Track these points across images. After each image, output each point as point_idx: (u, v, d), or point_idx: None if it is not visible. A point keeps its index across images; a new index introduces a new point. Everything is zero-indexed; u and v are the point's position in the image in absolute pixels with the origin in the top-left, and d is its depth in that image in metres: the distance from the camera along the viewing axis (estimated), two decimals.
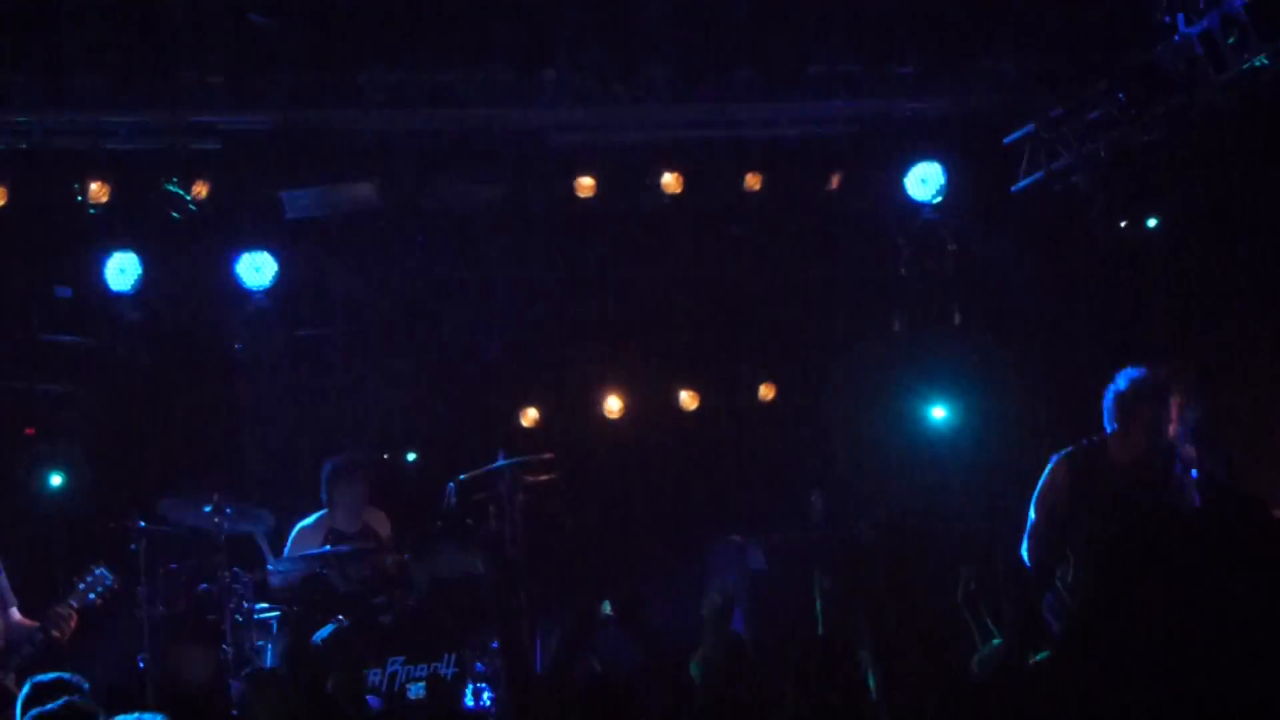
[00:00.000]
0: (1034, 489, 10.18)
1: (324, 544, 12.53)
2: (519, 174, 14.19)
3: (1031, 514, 10.16)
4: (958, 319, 15.02)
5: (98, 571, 11.25)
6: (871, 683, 9.11)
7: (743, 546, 13.95)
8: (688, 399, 15.66)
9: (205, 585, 12.04)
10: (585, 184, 14.12)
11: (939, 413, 15.26)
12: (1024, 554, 10.19)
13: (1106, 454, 10.11)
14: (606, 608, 8.66)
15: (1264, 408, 13.15)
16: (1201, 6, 12.00)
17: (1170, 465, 10.15)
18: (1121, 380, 10.10)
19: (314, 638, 11.58)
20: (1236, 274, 13.38)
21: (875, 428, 15.30)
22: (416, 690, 11.79)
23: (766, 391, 15.70)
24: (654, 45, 13.20)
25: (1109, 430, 10.10)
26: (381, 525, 13.01)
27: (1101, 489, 9.99)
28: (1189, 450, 10.35)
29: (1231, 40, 11.82)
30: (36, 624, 11.06)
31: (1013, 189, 14.24)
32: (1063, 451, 10.23)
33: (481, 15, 12.82)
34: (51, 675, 8.17)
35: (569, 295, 14.90)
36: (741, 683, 8.20)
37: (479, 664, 12.06)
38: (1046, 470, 10.16)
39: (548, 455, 13.34)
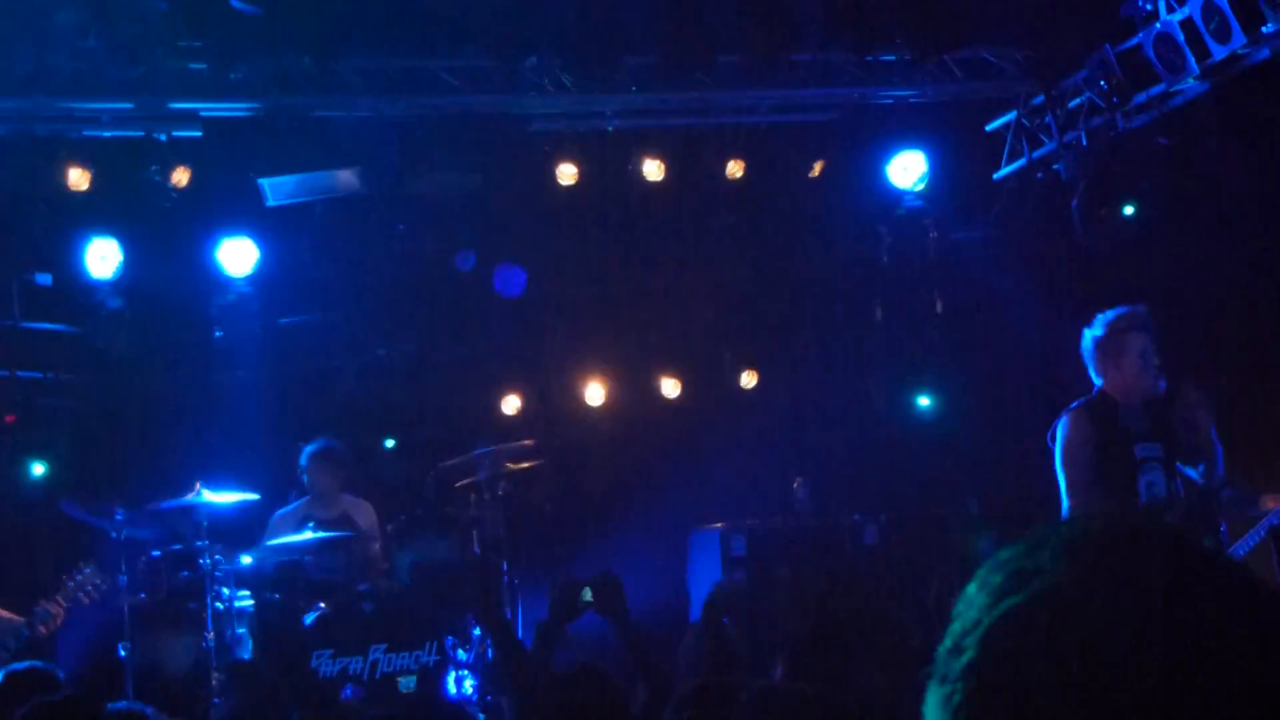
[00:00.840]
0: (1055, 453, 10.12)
1: (301, 530, 12.51)
2: (500, 161, 14.18)
3: (1063, 473, 10.10)
4: (940, 307, 15.05)
5: (86, 570, 11.21)
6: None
7: (725, 534, 13.95)
8: (670, 386, 15.66)
9: (186, 573, 12.00)
10: (567, 171, 14.12)
11: (922, 401, 15.28)
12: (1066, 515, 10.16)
13: (1110, 400, 10.12)
14: (587, 594, 8.62)
15: (1245, 393, 13.16)
16: None
17: (1172, 398, 10.17)
18: (1097, 325, 10.11)
19: (294, 627, 11.58)
20: (1216, 260, 13.40)
21: (858, 415, 15.33)
22: (407, 684, 11.75)
23: (749, 379, 15.70)
24: (636, 32, 13.18)
25: (1099, 382, 10.11)
26: (362, 512, 12.98)
27: (1118, 433, 10.03)
28: (1190, 391, 10.33)
29: (1213, 28, 11.84)
30: (23, 619, 11.02)
31: (995, 176, 14.26)
32: (1073, 405, 10.21)
33: (463, 2, 12.81)
34: (24, 665, 8.15)
35: (551, 282, 14.88)
36: (727, 672, 8.19)
37: (461, 651, 12.04)
38: (1064, 427, 10.11)
39: (529, 442, 13.34)
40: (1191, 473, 10.06)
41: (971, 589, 1.81)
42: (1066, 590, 1.74)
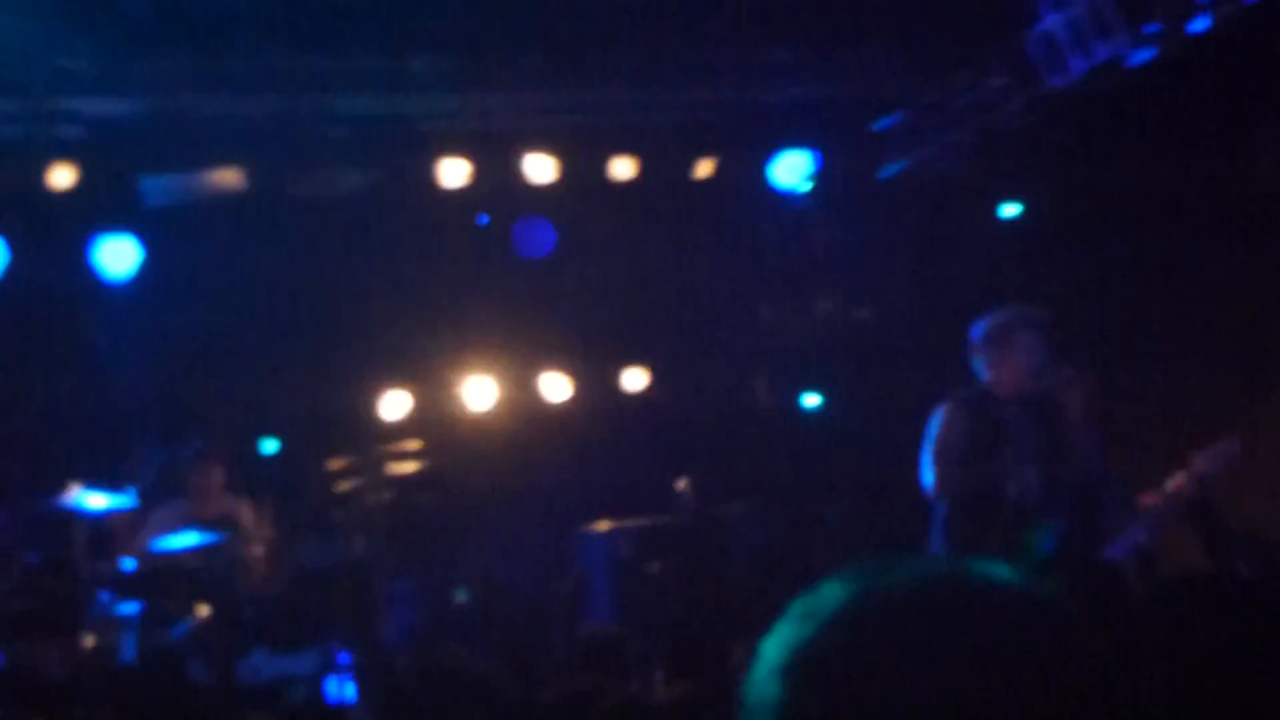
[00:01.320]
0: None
1: (183, 533, 12.40)
2: (388, 161, 14.12)
3: (932, 464, 10.17)
4: (825, 306, 15.10)
5: None
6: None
7: (611, 534, 13.92)
8: (557, 387, 15.60)
9: (63, 577, 11.86)
10: (454, 170, 14.06)
11: (810, 399, 15.30)
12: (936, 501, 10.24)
13: (990, 394, 10.19)
14: (461, 595, 8.61)
15: (1125, 390, 13.26)
16: None
17: (1054, 396, 10.25)
18: (988, 319, 10.20)
19: (174, 632, 11.49)
20: (1098, 259, 13.50)
21: (745, 414, 15.33)
22: (290, 688, 11.67)
23: (636, 379, 15.67)
24: (524, 30, 13.14)
25: (983, 376, 10.18)
26: (244, 513, 12.89)
27: (994, 429, 10.10)
28: (1067, 370, 10.41)
29: (1096, 28, 11.91)
30: None
31: (881, 175, 14.30)
32: (949, 397, 10.28)
33: (351, 1, 12.74)
34: None
35: (437, 282, 14.81)
36: (610, 671, 8.18)
37: (342, 656, 11.96)
38: (940, 417, 10.18)
39: (414, 444, 13.29)
40: (1070, 471, 10.14)
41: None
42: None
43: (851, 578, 1.90)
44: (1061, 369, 10.26)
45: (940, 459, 10.16)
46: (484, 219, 14.61)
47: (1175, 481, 10.12)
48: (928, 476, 10.17)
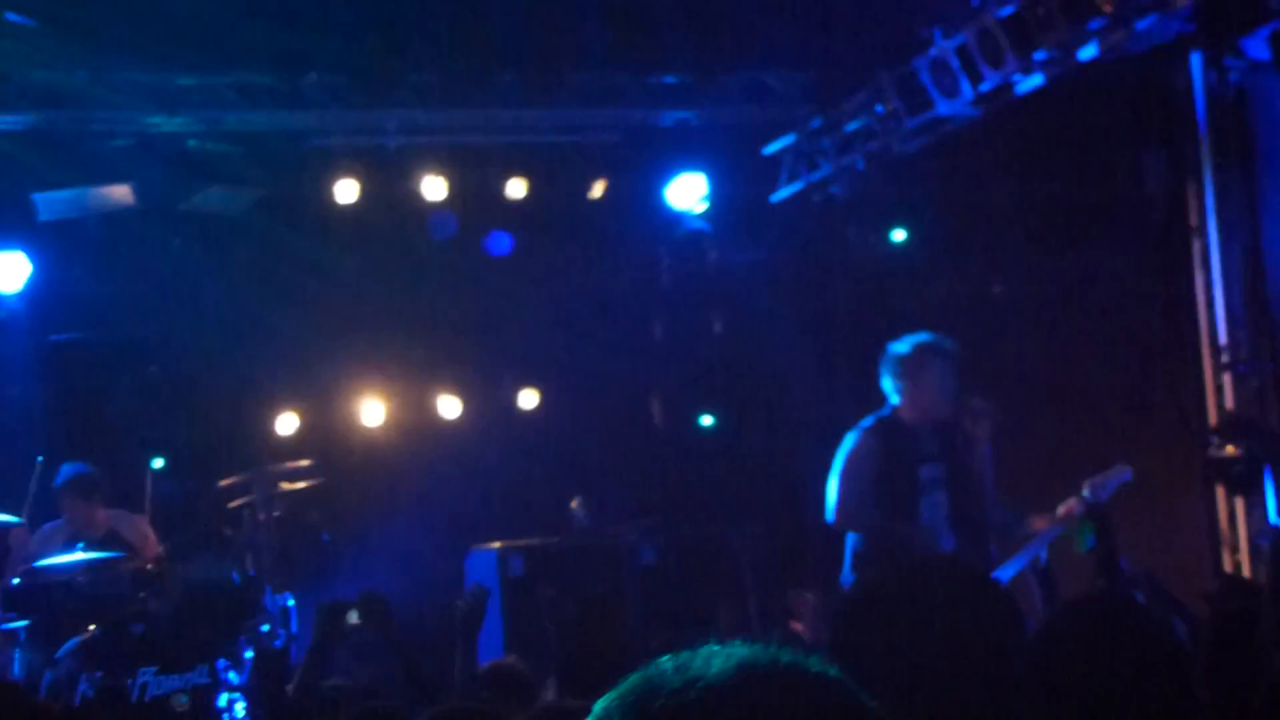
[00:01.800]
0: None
1: (71, 549, 12.28)
2: (280, 178, 14.09)
3: (839, 486, 10.30)
4: (718, 327, 15.17)
5: None
6: None
7: (503, 553, 13.91)
8: (449, 405, 15.57)
9: None
10: (345, 188, 14.04)
11: (704, 420, 15.37)
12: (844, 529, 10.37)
13: (900, 419, 10.34)
14: (353, 616, 8.57)
15: (1016, 417, 13.38)
16: (958, 21, 12.21)
17: (959, 422, 10.42)
18: (903, 344, 10.34)
19: (61, 649, 11.37)
20: (988, 284, 13.63)
21: (636, 434, 15.38)
22: (178, 706, 11.53)
23: (528, 398, 15.66)
24: (417, 49, 13.16)
25: (894, 400, 10.33)
26: (130, 528, 12.76)
27: (905, 453, 10.25)
28: (977, 403, 10.59)
29: (986, 54, 12.04)
30: None
31: (772, 199, 14.39)
32: (864, 422, 10.43)
33: (242, 18, 12.70)
34: None
35: (328, 300, 14.75)
36: (508, 691, 8.17)
37: (232, 674, 11.87)
38: (851, 441, 10.33)
39: (305, 462, 13.24)
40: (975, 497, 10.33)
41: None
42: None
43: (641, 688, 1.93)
44: (970, 399, 10.46)
45: (848, 478, 10.30)
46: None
47: (1066, 506, 10.30)
48: (838, 503, 10.30)
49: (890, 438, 10.37)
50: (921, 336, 10.47)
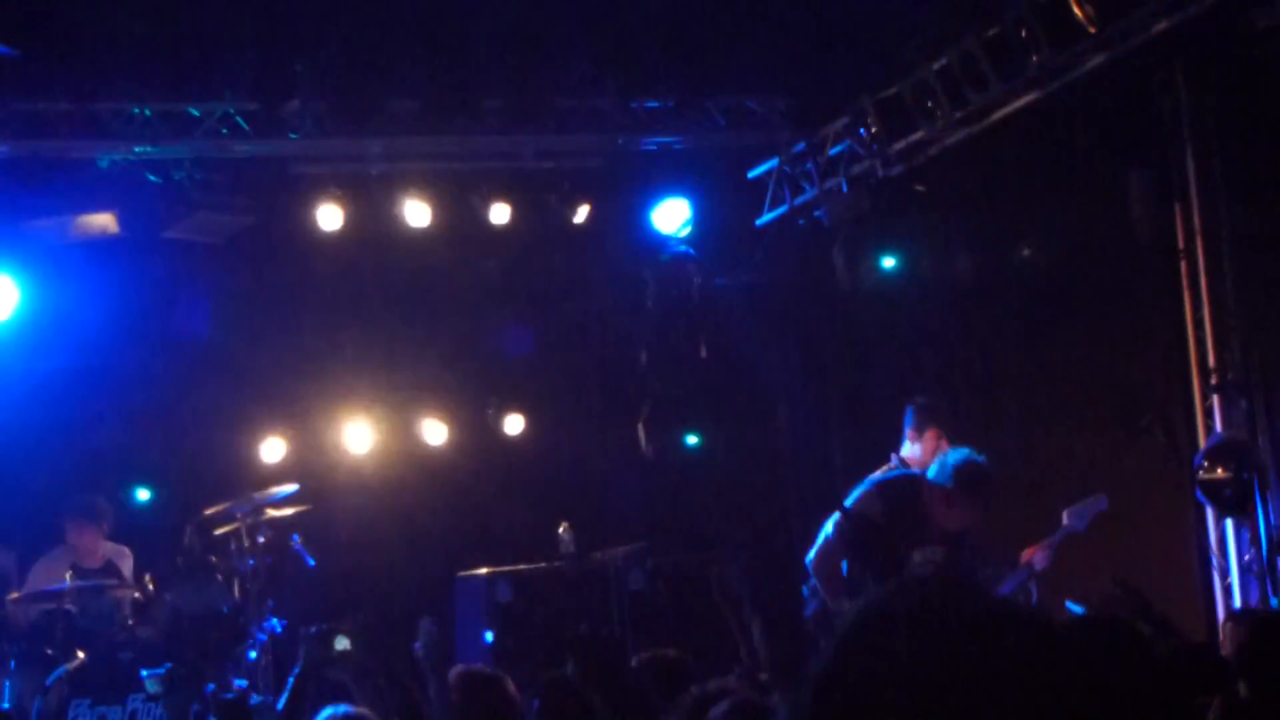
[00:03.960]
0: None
1: (64, 579, 12.27)
2: (263, 205, 14.06)
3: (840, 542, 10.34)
4: (704, 352, 15.14)
5: None
6: None
7: (491, 579, 13.88)
8: (435, 432, 15.55)
9: None
10: (330, 214, 14.01)
11: (690, 441, 15.31)
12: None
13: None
14: (341, 643, 8.56)
15: (998, 445, 13.39)
16: (942, 45, 12.25)
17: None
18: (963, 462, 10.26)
19: (50, 676, 11.34)
20: (975, 308, 13.63)
21: (622, 459, 15.33)
22: (154, 686, 11.43)
23: (514, 424, 15.64)
24: (400, 76, 13.15)
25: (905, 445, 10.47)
26: (124, 561, 12.80)
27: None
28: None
29: (969, 77, 12.09)
30: None
31: (757, 223, 14.40)
32: (875, 479, 10.51)
33: (227, 45, 12.69)
34: None
35: (314, 327, 14.72)
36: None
37: (218, 700, 11.81)
38: (859, 500, 10.40)
39: (291, 488, 13.21)
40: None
41: None
42: None
43: None
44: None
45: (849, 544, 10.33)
46: None
47: (1050, 539, 10.50)
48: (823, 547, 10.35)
49: (895, 496, 10.38)
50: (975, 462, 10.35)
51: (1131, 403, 12.07)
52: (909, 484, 10.38)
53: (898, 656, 1.94)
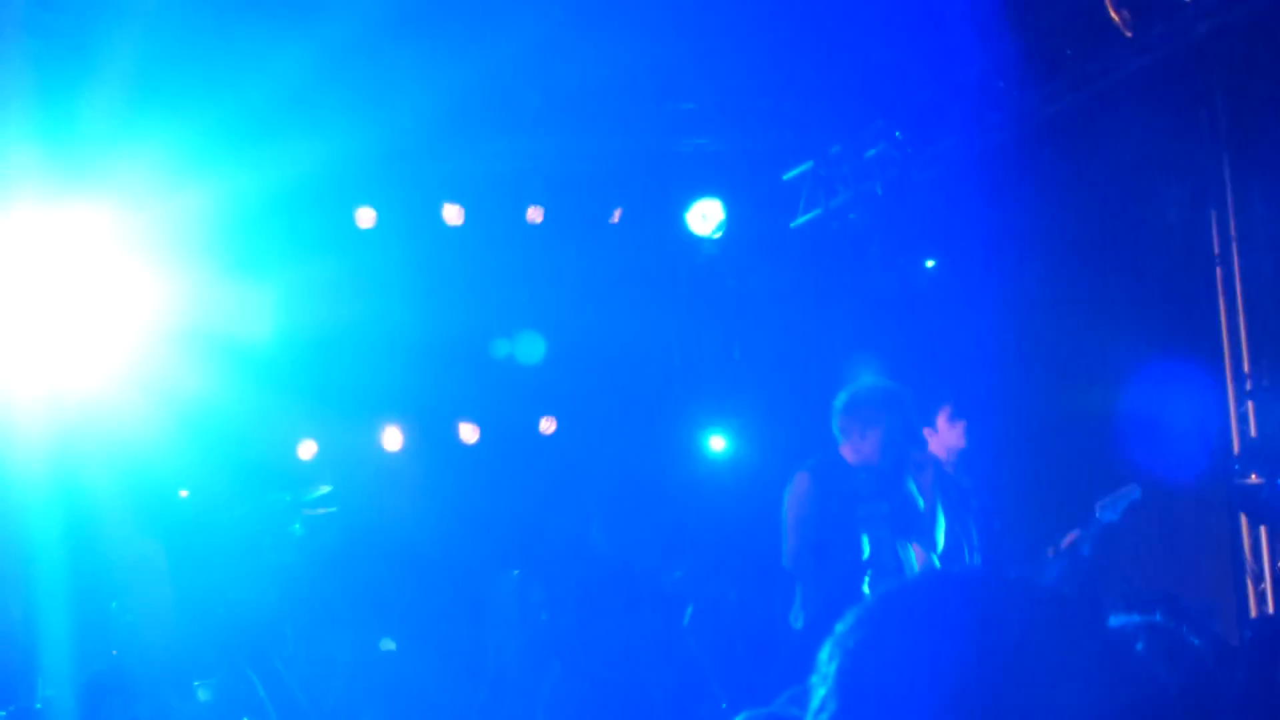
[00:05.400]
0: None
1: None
2: (300, 204, 14.07)
3: (790, 529, 10.34)
4: (737, 354, 15.15)
5: None
6: None
7: (524, 578, 13.92)
8: (467, 431, 15.58)
9: None
10: (365, 214, 14.04)
11: (718, 443, 15.33)
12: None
13: (844, 462, 10.36)
14: (388, 643, 8.61)
15: (1031, 447, 13.38)
16: (978, 47, 12.22)
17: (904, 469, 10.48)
18: (855, 391, 10.38)
19: (87, 674, 11.38)
20: (1007, 310, 13.62)
21: (655, 459, 15.36)
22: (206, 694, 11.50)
23: (547, 425, 15.64)
24: (433, 76, 13.15)
25: (840, 441, 10.36)
26: (160, 557, 12.85)
27: (847, 496, 10.29)
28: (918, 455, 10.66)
29: (1008, 80, 12.06)
30: None
31: (792, 225, 14.38)
32: (806, 464, 10.46)
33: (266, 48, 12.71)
34: None
35: (347, 325, 14.73)
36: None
37: (258, 698, 11.87)
38: (793, 484, 10.35)
39: (325, 488, 13.23)
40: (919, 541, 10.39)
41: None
42: None
43: None
44: (914, 449, 10.54)
45: (797, 523, 10.32)
46: None
47: (1086, 529, 10.44)
48: (786, 536, 10.33)
49: (831, 478, 10.42)
50: (874, 384, 10.53)
51: (1166, 408, 12.06)
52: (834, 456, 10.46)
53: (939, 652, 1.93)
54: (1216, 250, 11.66)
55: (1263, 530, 11.37)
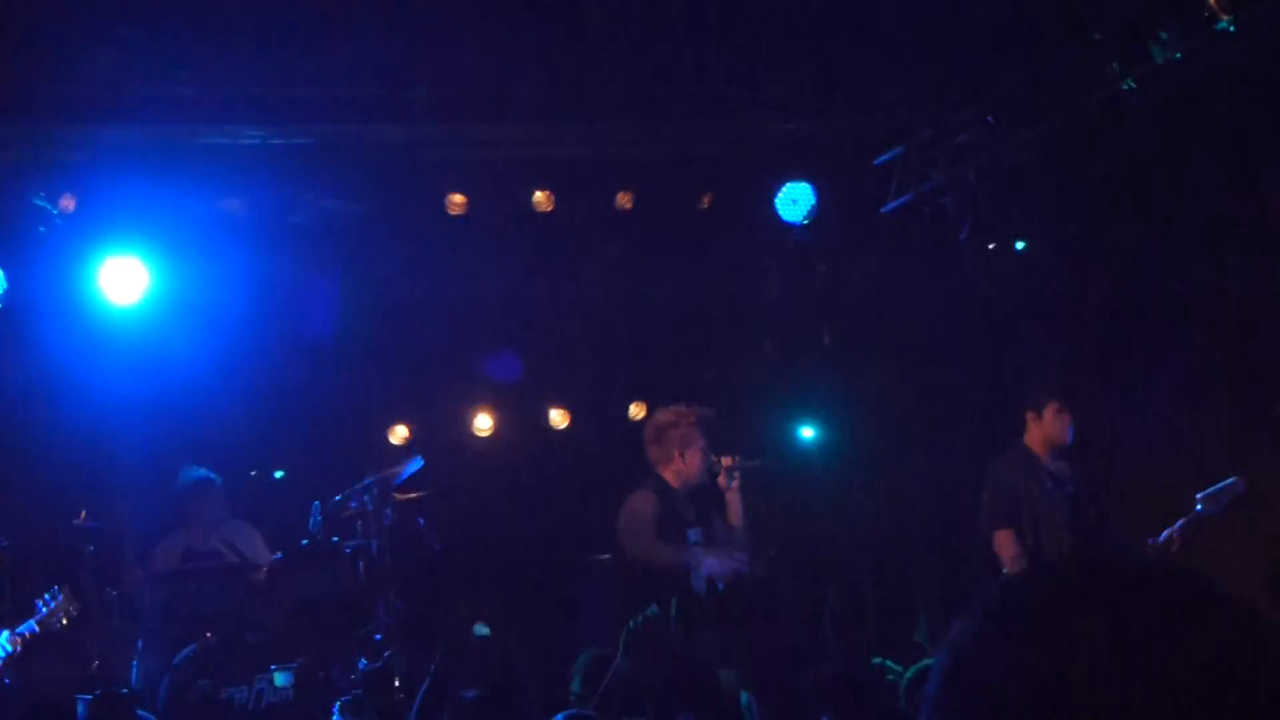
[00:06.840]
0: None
1: (181, 562, 12.42)
2: (387, 190, 14.12)
3: (631, 546, 10.72)
4: (827, 340, 15.09)
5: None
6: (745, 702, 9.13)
7: (614, 565, 13.89)
8: (558, 417, 15.61)
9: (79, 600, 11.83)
10: (456, 200, 14.07)
11: (807, 433, 15.26)
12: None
13: (666, 484, 11.50)
14: (481, 629, 8.60)
15: (1121, 428, 13.29)
16: (1070, 33, 12.14)
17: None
18: (668, 414, 10.91)
19: (177, 656, 11.45)
20: (1102, 296, 13.52)
21: (745, 447, 15.30)
22: (285, 679, 11.51)
23: (637, 411, 15.63)
24: (523, 62, 13.15)
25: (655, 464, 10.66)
26: (247, 539, 12.87)
27: (675, 518, 11.29)
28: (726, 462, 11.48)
29: (1098, 67, 11.98)
30: None
31: (883, 210, 14.31)
32: (638, 488, 11.58)
33: (351, 32, 12.73)
34: None
35: (437, 311, 14.77)
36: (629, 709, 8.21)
37: (344, 682, 11.89)
38: (631, 503, 10.87)
39: (417, 462, 13.23)
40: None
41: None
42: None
43: None
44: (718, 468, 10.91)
45: (635, 539, 10.76)
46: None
47: (1184, 521, 10.42)
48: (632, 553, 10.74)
49: (660, 501, 11.00)
50: (682, 407, 11.00)
51: (1263, 393, 11.97)
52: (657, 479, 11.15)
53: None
54: None
55: None
